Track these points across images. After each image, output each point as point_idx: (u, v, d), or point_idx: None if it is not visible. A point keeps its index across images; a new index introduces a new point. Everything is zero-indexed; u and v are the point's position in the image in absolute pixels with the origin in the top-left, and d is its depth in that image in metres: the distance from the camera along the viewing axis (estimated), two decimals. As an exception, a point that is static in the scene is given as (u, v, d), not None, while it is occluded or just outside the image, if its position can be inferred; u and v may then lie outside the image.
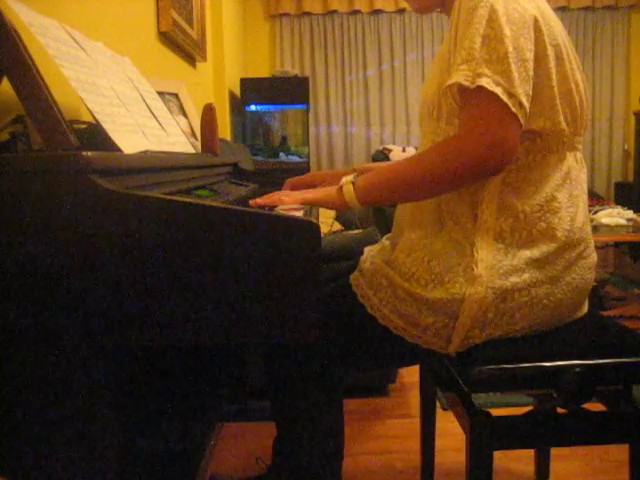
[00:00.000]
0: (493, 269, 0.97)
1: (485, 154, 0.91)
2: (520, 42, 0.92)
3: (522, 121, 0.92)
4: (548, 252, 0.99)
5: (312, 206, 1.10)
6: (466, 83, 0.91)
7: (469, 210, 1.01)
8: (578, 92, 1.01)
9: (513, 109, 0.90)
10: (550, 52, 0.96)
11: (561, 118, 0.99)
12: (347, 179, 1.03)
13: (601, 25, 5.14)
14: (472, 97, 0.92)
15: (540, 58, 0.95)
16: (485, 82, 0.90)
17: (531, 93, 0.94)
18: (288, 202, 1.04)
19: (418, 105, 1.16)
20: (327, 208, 1.09)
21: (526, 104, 0.92)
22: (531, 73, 0.93)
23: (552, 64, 0.97)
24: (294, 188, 1.32)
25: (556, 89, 0.98)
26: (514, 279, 0.97)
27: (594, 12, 5.12)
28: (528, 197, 1.00)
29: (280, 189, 1.33)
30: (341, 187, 1.03)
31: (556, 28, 0.99)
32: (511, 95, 0.90)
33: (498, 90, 0.89)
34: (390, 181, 1.00)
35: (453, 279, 0.97)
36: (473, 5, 0.93)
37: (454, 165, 0.93)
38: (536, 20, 0.95)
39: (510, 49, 0.91)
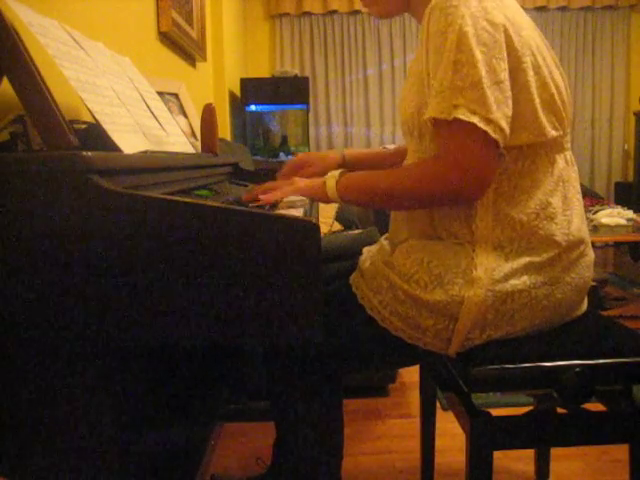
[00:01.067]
0: (493, 272, 0.96)
1: (463, 183, 0.91)
2: (492, 64, 0.90)
3: (501, 144, 0.92)
4: (548, 257, 0.99)
5: (311, 205, 1.11)
6: (442, 116, 0.90)
7: (465, 226, 1.00)
8: (560, 94, 1.00)
9: (493, 135, 0.89)
10: (526, 65, 0.94)
11: (547, 129, 0.98)
12: (333, 174, 1.06)
13: (601, 25, 5.13)
14: (449, 128, 0.91)
15: (515, 73, 0.93)
16: (461, 113, 0.89)
17: (510, 113, 0.92)
18: (278, 198, 1.09)
19: (399, 120, 1.15)
20: (310, 199, 1.13)
21: (505, 127, 0.91)
22: (508, 94, 0.91)
23: (530, 75, 0.95)
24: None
25: (537, 101, 0.96)
26: (514, 281, 0.97)
27: (594, 12, 5.11)
28: (522, 205, 0.99)
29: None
30: (325, 181, 1.05)
31: (528, 35, 0.96)
32: (489, 121, 0.89)
33: (475, 119, 0.88)
34: (369, 189, 1.02)
35: (452, 281, 0.97)
36: (441, 29, 0.91)
37: (430, 189, 0.94)
38: (507, 35, 0.92)
39: (483, 73, 0.89)
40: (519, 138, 0.97)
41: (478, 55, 0.89)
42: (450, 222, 1.01)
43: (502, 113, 0.90)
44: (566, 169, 1.04)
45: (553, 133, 0.99)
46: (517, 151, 0.98)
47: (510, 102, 0.92)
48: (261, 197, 1.07)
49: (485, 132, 0.89)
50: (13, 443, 0.75)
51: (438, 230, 1.03)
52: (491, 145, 0.91)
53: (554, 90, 0.98)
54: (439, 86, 0.91)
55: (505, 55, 0.92)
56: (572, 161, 1.07)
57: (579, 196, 1.07)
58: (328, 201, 1.07)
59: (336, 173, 1.06)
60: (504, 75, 0.91)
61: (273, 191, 1.09)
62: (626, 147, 5.27)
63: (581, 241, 1.03)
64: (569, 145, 1.06)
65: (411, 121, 1.04)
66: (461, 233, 1.00)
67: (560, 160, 1.03)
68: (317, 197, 1.08)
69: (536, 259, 0.98)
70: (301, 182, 1.10)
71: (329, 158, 1.33)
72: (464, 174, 0.91)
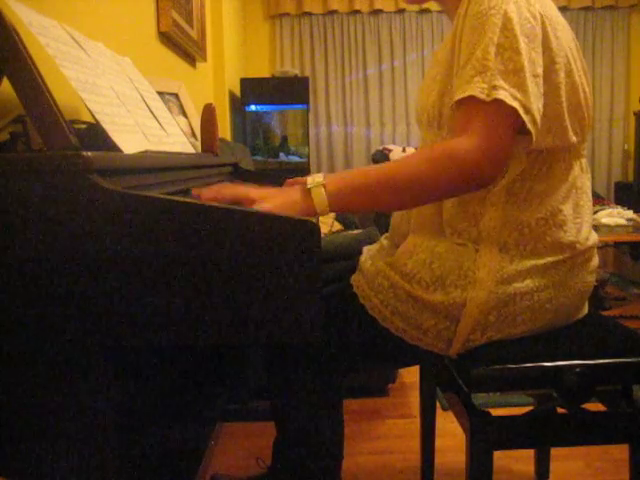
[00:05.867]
0: (496, 274, 0.96)
1: (488, 168, 0.86)
2: (532, 56, 0.88)
3: (534, 138, 0.88)
4: (553, 261, 0.98)
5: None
6: (482, 96, 0.85)
7: (471, 225, 0.99)
8: (586, 101, 0.98)
9: (529, 125, 0.86)
10: (559, 66, 0.93)
11: (570, 134, 0.96)
12: (315, 180, 0.87)
13: (601, 25, 5.13)
14: (485, 109, 0.86)
15: (548, 72, 0.91)
16: (503, 95, 0.85)
17: (542, 110, 0.89)
18: (220, 199, 0.84)
19: (415, 110, 1.11)
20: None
21: (539, 121, 0.88)
22: (542, 90, 0.89)
23: (562, 77, 0.93)
24: None
25: (564, 105, 0.94)
26: (517, 284, 0.96)
27: (594, 12, 5.11)
28: (532, 209, 0.97)
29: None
30: (309, 190, 0.87)
31: (563, 34, 0.95)
32: (527, 111, 0.86)
33: (516, 104, 0.85)
34: (373, 185, 0.88)
35: (454, 282, 0.97)
36: (483, 11, 0.88)
37: (451, 175, 0.87)
38: (544, 30, 0.91)
39: (526, 62, 0.86)
40: (544, 141, 0.94)
41: (522, 43, 0.87)
42: (458, 220, 1.00)
43: (537, 106, 0.87)
44: (580, 176, 1.03)
45: (574, 139, 0.98)
46: (536, 155, 0.97)
47: (542, 99, 0.90)
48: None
49: (522, 121, 0.86)
50: (13, 443, 0.75)
51: (445, 228, 1.02)
52: (524, 135, 0.87)
53: (582, 95, 0.97)
54: (480, 66, 0.86)
55: (541, 51, 0.90)
56: (587, 168, 1.06)
57: (590, 204, 1.05)
58: (312, 215, 0.86)
59: (320, 178, 0.87)
60: (540, 71, 0.89)
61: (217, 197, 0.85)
62: (626, 147, 5.26)
63: (588, 249, 1.02)
64: (585, 152, 1.05)
65: (432, 109, 1.00)
66: (467, 232, 0.99)
67: (576, 167, 1.02)
68: (297, 212, 0.84)
69: (541, 262, 0.97)
70: (270, 198, 0.85)
71: None
72: (494, 158, 0.86)
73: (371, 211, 1.03)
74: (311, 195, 0.86)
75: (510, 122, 0.86)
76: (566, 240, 0.98)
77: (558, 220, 0.98)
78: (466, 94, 0.87)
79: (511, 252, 0.98)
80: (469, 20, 0.90)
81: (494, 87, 0.85)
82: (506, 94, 0.85)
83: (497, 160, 0.87)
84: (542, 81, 0.89)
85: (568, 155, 1.00)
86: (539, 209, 0.98)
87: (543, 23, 0.91)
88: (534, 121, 0.87)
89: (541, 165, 0.98)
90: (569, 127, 0.96)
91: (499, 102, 0.85)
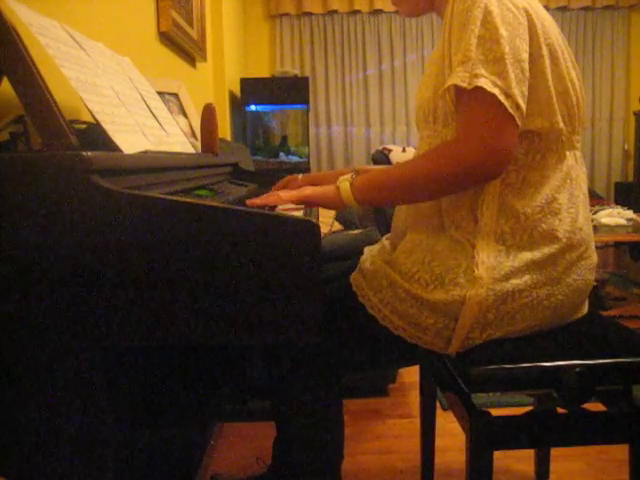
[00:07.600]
0: (494, 271, 0.96)
1: (482, 158, 0.91)
2: (516, 42, 0.91)
3: (519, 122, 0.92)
4: (549, 253, 0.99)
5: (311, 206, 1.10)
6: (463, 84, 0.90)
7: (469, 213, 1.00)
8: (574, 90, 1.01)
9: (510, 110, 0.90)
10: (545, 51, 0.96)
11: (559, 117, 0.99)
12: (345, 177, 1.04)
13: (601, 25, 5.13)
14: (469, 98, 0.91)
15: (535, 58, 0.95)
16: (483, 82, 0.89)
17: (527, 94, 0.93)
18: (285, 201, 1.04)
19: (414, 109, 1.15)
20: (324, 207, 1.08)
21: (522, 105, 0.91)
22: (527, 74, 0.93)
23: (547, 63, 0.96)
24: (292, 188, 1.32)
25: (552, 89, 0.97)
26: (515, 281, 0.97)
27: (594, 12, 5.11)
28: (528, 198, 0.99)
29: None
30: (338, 186, 1.03)
31: (549, 26, 0.98)
32: (508, 96, 0.90)
33: (496, 91, 0.89)
34: (388, 183, 1.00)
35: (454, 280, 0.97)
36: (467, 7, 0.93)
37: (452, 170, 0.93)
38: (530, 20, 0.94)
39: (506, 50, 0.90)
40: (533, 123, 0.97)
41: (502, 32, 0.90)
42: (456, 210, 1.01)
43: (520, 91, 0.91)
44: (575, 167, 1.04)
45: (562, 125, 1.00)
46: (528, 143, 0.99)
47: (527, 83, 0.93)
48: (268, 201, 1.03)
49: (503, 106, 0.89)
50: (13, 443, 0.75)
51: (442, 219, 1.03)
52: (509, 121, 0.91)
53: (569, 84, 1.00)
54: (462, 57, 0.91)
55: (527, 37, 0.93)
56: (581, 161, 1.08)
57: (585, 197, 1.07)
58: (342, 206, 1.04)
59: (348, 176, 1.04)
60: (525, 56, 0.93)
61: (280, 196, 1.05)
62: (626, 147, 5.26)
63: (583, 241, 1.03)
64: (579, 145, 1.07)
65: (427, 104, 1.04)
66: (465, 222, 1.00)
67: (570, 157, 1.03)
68: (329, 203, 1.05)
69: (537, 255, 0.98)
70: (310, 189, 1.07)
71: (340, 174, 1.31)
72: (482, 147, 0.90)
73: (391, 204, 1.18)
74: (339, 189, 1.03)
75: (495, 109, 0.90)
76: (561, 229, 1.00)
77: (553, 208, 1.00)
78: (449, 83, 0.92)
79: (508, 242, 0.98)
80: (455, 18, 0.95)
81: (475, 75, 0.90)
82: (486, 81, 0.89)
83: (490, 148, 0.91)
84: (528, 65, 0.93)
85: (561, 145, 1.02)
86: (534, 197, 0.99)
87: (527, 13, 0.94)
88: (516, 105, 0.91)
89: (534, 154, 1.00)
90: (557, 110, 0.99)
91: (479, 89, 0.89)
